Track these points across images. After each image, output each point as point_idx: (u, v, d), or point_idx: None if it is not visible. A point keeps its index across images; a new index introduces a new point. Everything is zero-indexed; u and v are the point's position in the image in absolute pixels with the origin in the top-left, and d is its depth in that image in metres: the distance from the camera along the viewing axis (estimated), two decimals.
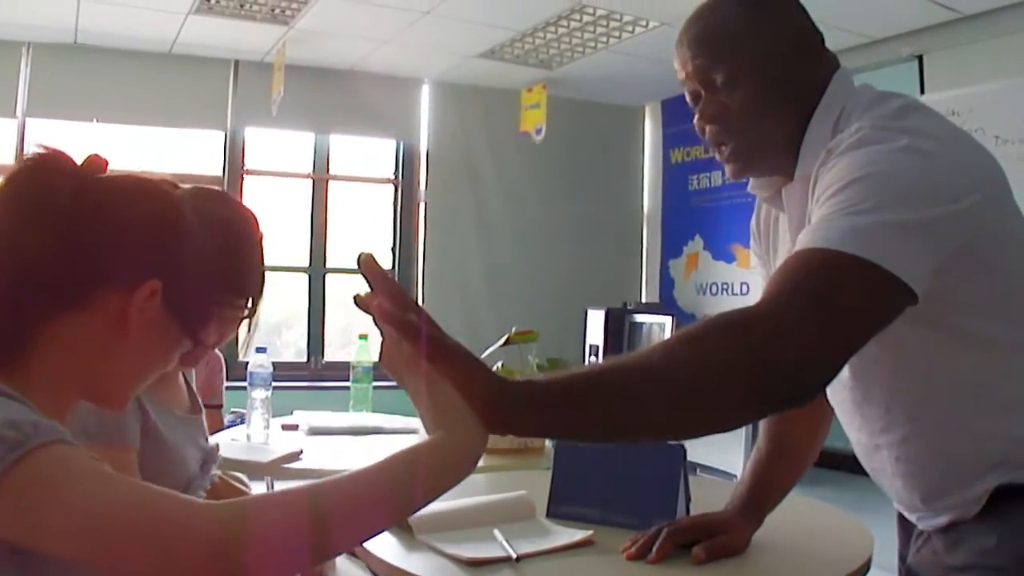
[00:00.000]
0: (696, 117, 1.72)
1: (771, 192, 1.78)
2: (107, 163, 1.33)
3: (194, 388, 2.35)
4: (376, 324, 1.21)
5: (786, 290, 1.32)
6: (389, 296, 1.20)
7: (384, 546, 1.84)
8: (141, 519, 1.03)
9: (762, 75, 1.63)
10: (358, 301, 1.21)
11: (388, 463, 1.15)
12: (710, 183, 8.43)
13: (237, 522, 1.05)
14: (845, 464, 2.20)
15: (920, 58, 6.55)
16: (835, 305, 1.30)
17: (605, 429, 1.27)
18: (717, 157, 1.73)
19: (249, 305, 2.06)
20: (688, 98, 1.74)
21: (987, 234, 1.46)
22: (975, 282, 1.48)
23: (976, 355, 1.53)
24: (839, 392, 1.75)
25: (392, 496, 1.13)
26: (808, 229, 1.42)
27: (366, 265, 1.21)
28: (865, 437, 1.73)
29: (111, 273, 1.26)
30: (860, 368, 1.64)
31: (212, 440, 2.41)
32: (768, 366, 1.24)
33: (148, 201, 1.33)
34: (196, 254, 1.35)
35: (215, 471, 2.39)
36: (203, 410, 2.40)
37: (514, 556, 1.76)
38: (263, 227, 2.12)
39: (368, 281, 1.22)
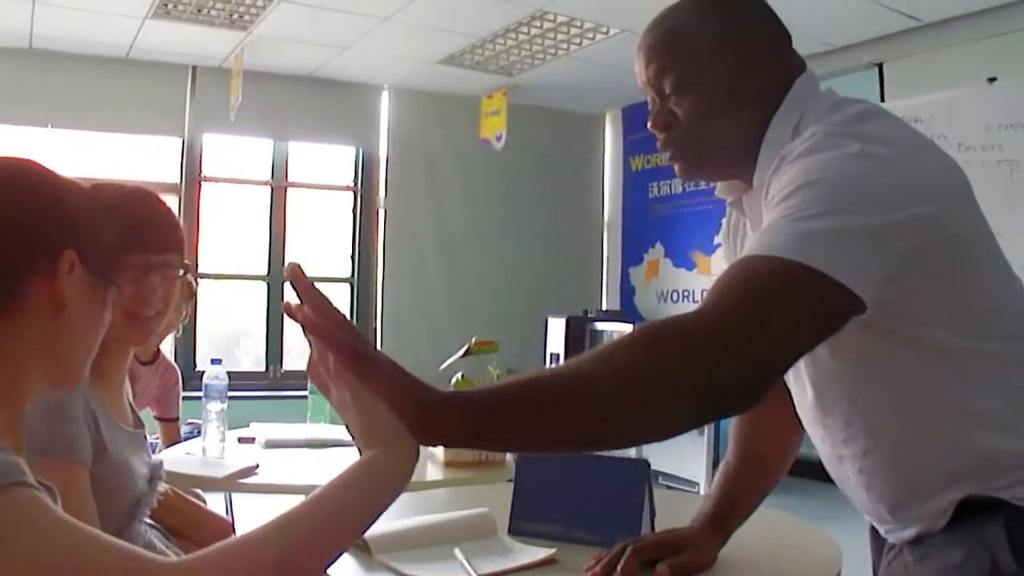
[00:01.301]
0: (649, 123, 1.71)
1: (735, 196, 1.76)
2: None
3: (134, 402, 2.31)
4: (305, 335, 1.20)
5: (724, 298, 1.29)
6: (316, 307, 1.19)
7: (340, 567, 1.79)
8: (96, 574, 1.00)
9: (709, 82, 1.62)
10: (287, 310, 1.20)
11: (331, 492, 1.14)
12: (671, 190, 8.44)
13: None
14: (814, 472, 2.17)
15: (880, 66, 6.60)
16: (775, 314, 1.28)
17: (530, 440, 1.27)
18: (665, 158, 1.73)
19: (171, 261, 2.02)
20: (649, 104, 1.73)
21: (943, 242, 1.43)
22: (931, 291, 1.45)
23: (934, 366, 1.50)
24: (802, 403, 1.73)
25: (342, 525, 1.13)
26: (754, 235, 1.42)
27: (293, 274, 1.20)
28: (828, 448, 1.70)
29: (26, 267, 1.24)
30: (818, 380, 1.62)
31: (164, 454, 2.37)
32: (708, 371, 1.22)
33: (28, 184, 1.30)
34: (96, 214, 1.34)
35: (161, 487, 2.35)
36: (145, 426, 2.36)
37: None
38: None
39: (296, 291, 1.21)
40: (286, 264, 1.20)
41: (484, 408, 1.19)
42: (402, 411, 1.16)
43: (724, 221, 1.95)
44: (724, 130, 1.64)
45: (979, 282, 1.50)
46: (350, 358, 1.16)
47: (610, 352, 1.24)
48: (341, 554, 1.15)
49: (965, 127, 5.46)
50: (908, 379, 1.52)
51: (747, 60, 1.62)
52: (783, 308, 1.28)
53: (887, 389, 1.54)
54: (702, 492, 6.21)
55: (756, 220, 1.67)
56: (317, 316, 1.18)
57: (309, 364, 1.24)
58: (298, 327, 1.17)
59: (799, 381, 1.68)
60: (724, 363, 1.23)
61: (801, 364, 1.42)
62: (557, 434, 1.23)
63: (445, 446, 1.26)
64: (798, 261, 1.28)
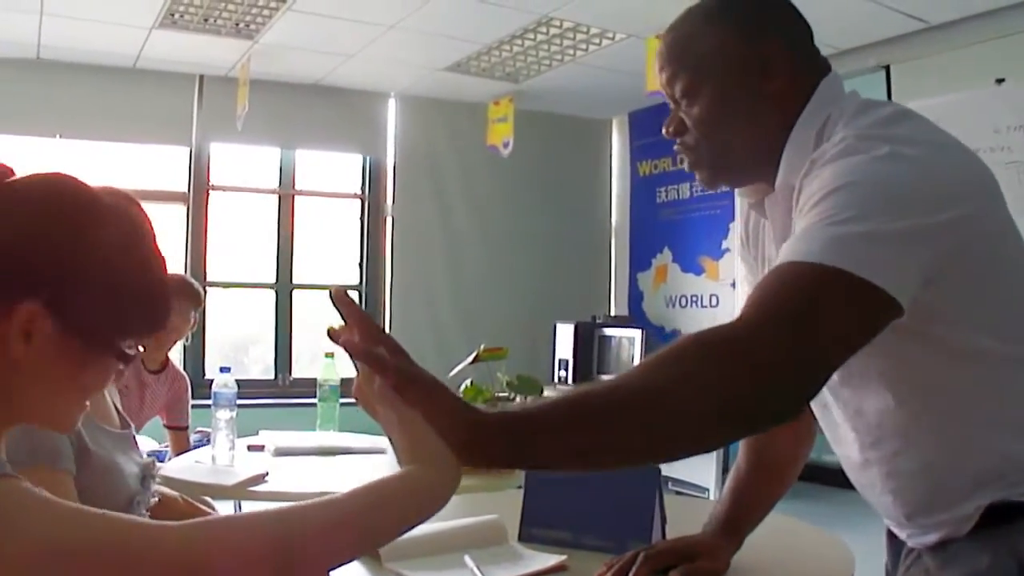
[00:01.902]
0: (664, 130, 1.71)
1: (757, 199, 1.75)
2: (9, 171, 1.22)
3: (144, 411, 2.33)
4: (350, 358, 1.21)
5: (765, 306, 1.29)
6: (360, 329, 1.20)
7: (350, 575, 1.79)
8: (101, 544, 1.00)
9: (715, 88, 1.62)
10: (331, 334, 1.22)
11: (360, 492, 1.14)
12: (678, 195, 8.41)
13: (199, 543, 1.03)
14: (825, 477, 2.16)
15: (887, 68, 6.57)
16: (815, 320, 1.27)
17: (581, 458, 1.25)
18: (686, 167, 1.72)
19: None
20: (669, 103, 1.73)
21: (977, 244, 1.42)
22: (966, 294, 1.44)
23: (968, 369, 1.49)
24: (829, 406, 1.72)
25: (362, 526, 1.12)
26: (788, 242, 1.39)
27: (338, 298, 1.22)
28: (855, 452, 1.69)
29: None
30: (848, 383, 1.61)
31: (173, 463, 2.37)
32: (748, 387, 1.22)
33: (28, 205, 1.20)
34: (91, 259, 1.21)
35: (156, 486, 2.36)
36: (131, 426, 2.37)
37: None
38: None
39: (341, 314, 1.22)
40: (330, 289, 1.22)
41: (532, 427, 1.20)
42: (448, 432, 1.17)
43: (741, 223, 1.93)
44: (734, 136, 1.63)
45: (1013, 283, 1.49)
46: (397, 380, 1.17)
47: (658, 365, 1.24)
48: (353, 557, 1.15)
49: (973, 129, 5.42)
50: (940, 382, 1.51)
51: (756, 66, 1.61)
52: (823, 315, 1.27)
53: (918, 392, 1.53)
54: (712, 498, 6.19)
55: (779, 223, 1.66)
56: (363, 338, 1.19)
57: (355, 387, 1.25)
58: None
59: (832, 380, 1.66)
60: (765, 374, 1.23)
61: None
62: (608, 450, 1.23)
63: (490, 467, 1.25)
64: (835, 266, 1.28)
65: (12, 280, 1.15)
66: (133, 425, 2.41)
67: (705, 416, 1.22)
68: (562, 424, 1.20)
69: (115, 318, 1.24)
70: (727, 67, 1.61)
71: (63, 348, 1.19)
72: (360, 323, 1.21)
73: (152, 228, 1.33)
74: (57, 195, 1.22)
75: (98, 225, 1.22)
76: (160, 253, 1.31)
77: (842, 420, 1.69)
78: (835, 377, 1.60)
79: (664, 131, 1.71)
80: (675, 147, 1.71)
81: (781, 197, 1.62)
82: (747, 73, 1.61)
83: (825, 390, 1.67)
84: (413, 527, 1.16)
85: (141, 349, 1.34)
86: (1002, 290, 1.48)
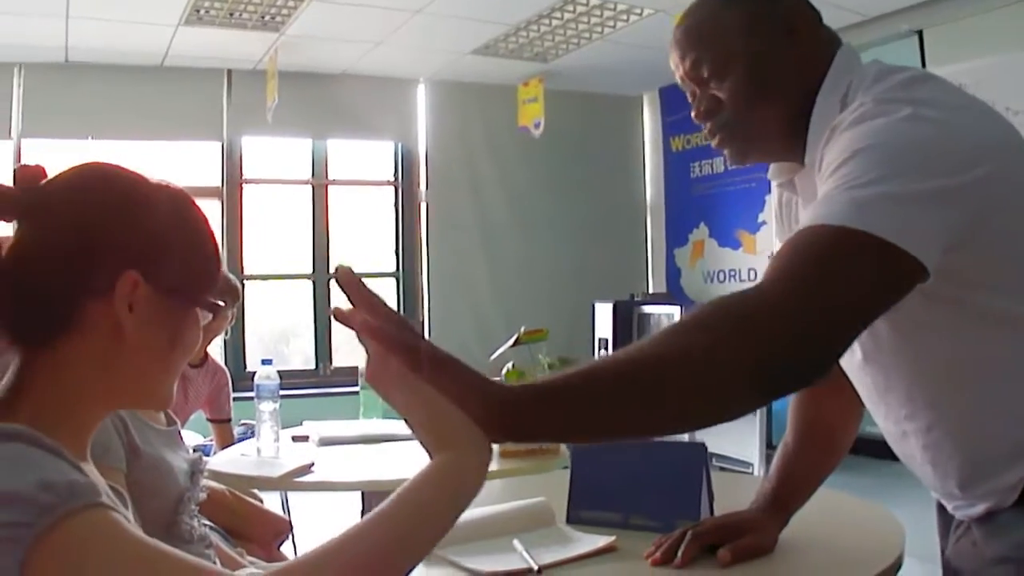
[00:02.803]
0: (693, 113, 1.70)
1: (786, 177, 1.74)
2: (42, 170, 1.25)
3: (186, 405, 2.36)
4: (359, 339, 1.17)
5: (786, 269, 1.27)
6: (372, 310, 1.17)
7: None
8: None
9: (747, 62, 1.60)
10: (338, 315, 1.17)
11: (392, 509, 1.11)
12: (712, 170, 8.39)
13: None
14: (874, 449, 2.14)
15: (920, 33, 6.50)
16: (835, 282, 1.25)
17: (609, 425, 1.23)
18: (713, 144, 1.71)
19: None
20: (689, 98, 1.72)
21: (1004, 205, 1.40)
22: (994, 257, 1.42)
23: (999, 336, 1.47)
24: (862, 379, 1.71)
25: (401, 547, 1.09)
26: (811, 207, 1.39)
27: (344, 278, 1.18)
28: (891, 424, 1.68)
29: (81, 288, 1.19)
30: (879, 354, 1.60)
31: (219, 456, 2.39)
32: (770, 349, 1.20)
33: (89, 194, 1.25)
34: (161, 222, 1.26)
35: (204, 481, 2.37)
36: (177, 422, 2.39)
37: (536, 567, 1.72)
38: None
39: (347, 295, 1.18)
40: (334, 265, 1.19)
41: (558, 401, 1.17)
42: (471, 409, 1.14)
43: (774, 201, 1.92)
44: (770, 106, 1.62)
45: None
46: (413, 359, 1.14)
47: (670, 334, 1.23)
48: (416, 563, 1.12)
49: (1010, 92, 5.36)
50: (971, 351, 1.49)
51: (780, 31, 1.60)
52: (844, 277, 1.25)
53: (949, 361, 1.51)
54: (756, 473, 6.18)
55: (810, 197, 1.64)
56: (371, 318, 1.16)
57: (367, 369, 1.20)
58: (348, 328, 1.15)
59: (857, 357, 1.65)
60: (787, 337, 1.21)
61: (860, 339, 1.39)
62: (633, 421, 1.21)
63: (515, 441, 1.23)
64: (856, 228, 1.26)
65: (107, 258, 1.20)
66: (179, 421, 2.43)
67: (730, 380, 1.20)
68: (576, 397, 1.18)
69: (195, 271, 1.29)
70: (754, 36, 1.60)
71: (161, 310, 1.23)
72: (369, 304, 1.17)
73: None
74: (104, 176, 1.27)
75: (153, 193, 1.28)
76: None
77: (876, 394, 1.68)
78: (865, 350, 1.59)
79: (695, 114, 1.69)
80: (706, 128, 1.69)
81: (810, 171, 1.61)
82: (773, 38, 1.60)
83: (857, 364, 1.67)
84: (460, 515, 1.13)
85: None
86: None
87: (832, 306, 1.24)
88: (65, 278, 1.19)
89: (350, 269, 1.17)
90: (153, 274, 1.21)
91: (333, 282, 6.46)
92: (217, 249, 1.35)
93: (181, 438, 2.35)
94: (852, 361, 1.69)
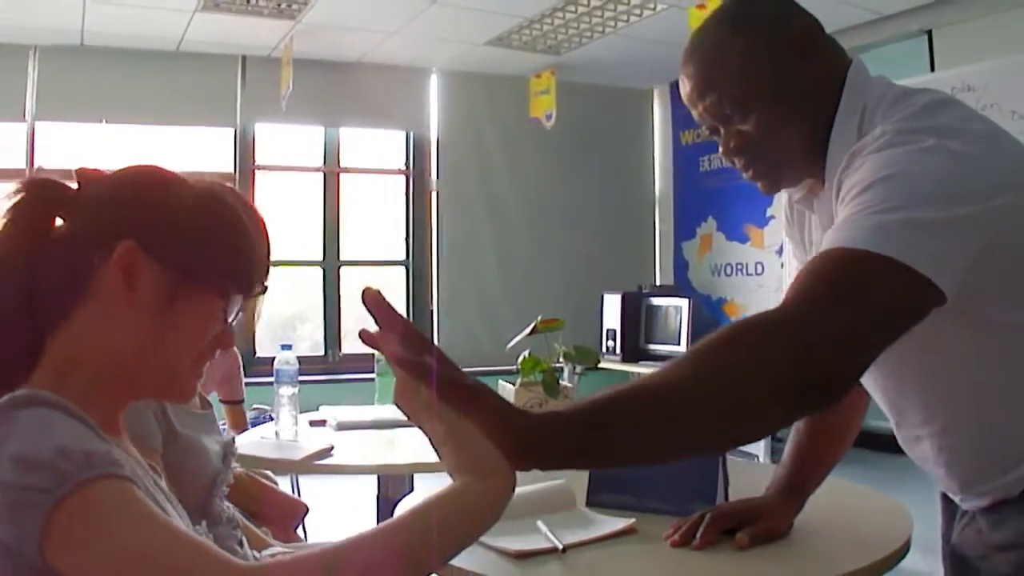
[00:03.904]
0: (721, 150, 1.69)
1: (803, 193, 1.76)
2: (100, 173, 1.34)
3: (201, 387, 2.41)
4: (389, 364, 1.18)
5: (810, 291, 1.29)
6: (400, 336, 1.17)
7: None
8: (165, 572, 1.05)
9: (768, 92, 1.60)
10: (365, 338, 1.19)
11: (409, 519, 1.14)
12: (721, 164, 8.29)
13: None
14: (879, 443, 2.19)
15: (929, 33, 6.50)
16: (860, 304, 1.27)
17: (635, 453, 1.25)
18: (746, 177, 1.71)
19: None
20: (708, 132, 1.72)
21: (1019, 231, 1.42)
22: (1009, 276, 1.45)
23: (1011, 344, 1.51)
24: (876, 387, 1.74)
25: (413, 557, 1.11)
26: (833, 229, 1.40)
27: (372, 302, 1.18)
28: (906, 429, 1.72)
29: (98, 249, 1.26)
30: (894, 363, 1.60)
31: (238, 439, 2.44)
32: (796, 369, 1.22)
33: (123, 182, 1.34)
34: (177, 206, 1.32)
35: (234, 464, 2.42)
36: (212, 406, 2.43)
37: (560, 547, 1.77)
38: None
39: (375, 317, 1.19)
40: (363, 290, 1.17)
41: (585, 428, 1.17)
42: (496, 437, 1.15)
43: (786, 202, 1.92)
44: (795, 132, 1.62)
45: None
46: (440, 387, 1.15)
47: (703, 354, 1.24)
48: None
49: (1019, 95, 5.36)
50: (985, 358, 1.52)
51: (792, 54, 1.60)
52: (865, 299, 1.28)
53: (964, 368, 1.55)
54: (761, 461, 6.23)
55: (825, 220, 1.66)
56: (402, 343, 1.16)
57: (397, 393, 1.20)
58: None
59: (876, 363, 1.67)
60: (812, 356, 1.22)
61: None
62: (662, 444, 1.22)
63: (540, 468, 1.24)
64: (878, 252, 1.28)
65: (119, 230, 1.26)
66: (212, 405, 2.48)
67: (761, 399, 1.22)
68: (613, 424, 1.18)
69: (208, 255, 1.32)
70: (770, 62, 1.60)
71: (161, 284, 1.28)
72: (397, 327, 1.18)
73: (248, 202, 1.42)
74: (140, 169, 1.36)
75: (181, 184, 1.34)
76: (258, 217, 1.42)
77: (890, 400, 1.72)
78: (883, 357, 1.63)
79: (723, 151, 1.69)
80: (738, 165, 1.70)
81: (828, 194, 1.62)
82: (788, 63, 1.60)
83: (871, 374, 1.67)
84: (475, 540, 1.16)
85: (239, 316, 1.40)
86: None
87: (853, 326, 1.26)
88: (88, 252, 1.27)
89: (378, 292, 1.18)
90: (157, 248, 1.27)
91: (343, 269, 6.49)
92: (248, 243, 1.38)
93: (215, 422, 2.40)
94: (870, 370, 1.72)
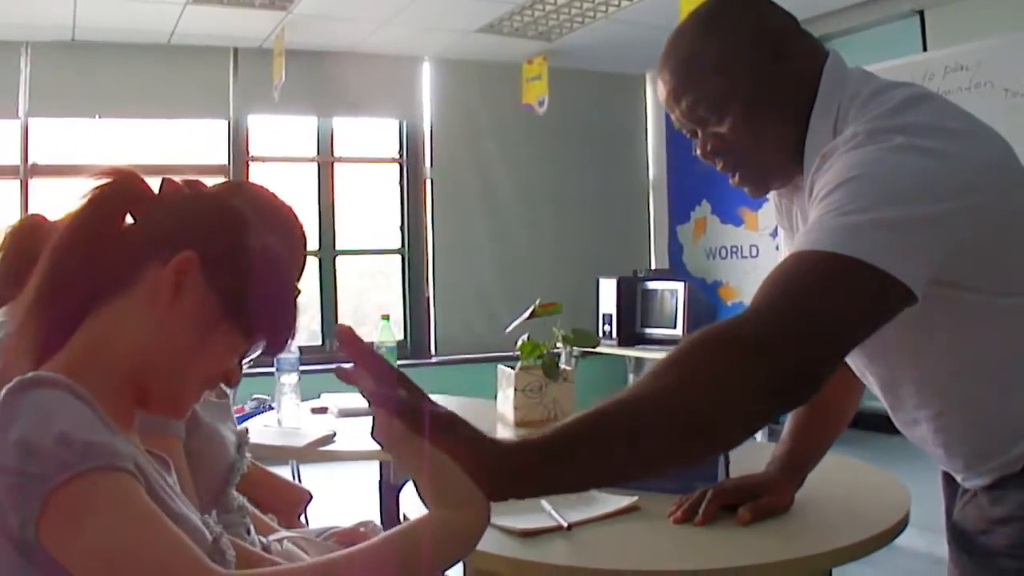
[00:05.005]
0: (699, 153, 1.70)
1: (786, 187, 1.77)
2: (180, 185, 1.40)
3: None
4: (365, 398, 1.20)
5: (774, 296, 1.30)
6: (374, 373, 1.19)
7: None
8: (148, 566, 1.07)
9: (743, 93, 1.61)
10: (340, 376, 1.21)
11: (394, 538, 1.17)
12: None
13: None
14: (877, 424, 2.21)
15: (921, 13, 6.47)
16: (820, 306, 1.28)
17: (613, 473, 1.26)
18: (732, 183, 1.72)
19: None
20: (687, 134, 1.73)
21: (998, 223, 1.43)
22: (991, 265, 1.46)
23: (1001, 326, 1.52)
24: (869, 375, 1.75)
25: (400, 572, 1.14)
26: (802, 232, 1.41)
27: (345, 339, 1.19)
28: (902, 413, 1.74)
29: (153, 251, 1.31)
30: (885, 352, 1.64)
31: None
32: (760, 377, 1.22)
33: (190, 192, 1.40)
34: (243, 233, 1.36)
35: (248, 455, 2.45)
36: (228, 396, 2.46)
37: (565, 525, 1.80)
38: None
39: (349, 354, 1.20)
40: (336, 328, 1.19)
41: (559, 455, 1.18)
42: (469, 468, 1.16)
43: (774, 204, 1.94)
44: (772, 133, 1.63)
45: None
46: (414, 421, 1.17)
47: (669, 367, 1.24)
48: None
49: (1012, 73, 5.34)
50: (976, 341, 1.53)
51: (767, 55, 1.61)
52: (831, 299, 1.28)
53: (955, 352, 1.55)
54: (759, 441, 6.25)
55: (806, 215, 1.66)
56: (375, 378, 1.19)
57: (373, 428, 1.22)
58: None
59: (865, 353, 1.69)
60: (780, 358, 1.23)
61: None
62: (640, 461, 1.23)
63: (522, 497, 1.23)
64: (843, 253, 1.29)
65: (182, 239, 1.31)
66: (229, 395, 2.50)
67: (722, 411, 1.22)
68: (587, 447, 1.18)
69: (256, 302, 1.35)
70: (745, 64, 1.60)
71: (201, 305, 1.31)
72: (370, 362, 1.20)
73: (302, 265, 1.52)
74: (233, 196, 1.43)
75: (263, 225, 1.39)
76: (297, 289, 1.46)
77: (884, 387, 1.73)
78: (870, 349, 1.62)
79: (700, 153, 1.70)
80: (719, 168, 1.70)
81: (804, 193, 1.63)
82: (763, 62, 1.60)
83: (863, 363, 1.71)
84: (447, 569, 1.18)
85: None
86: None
87: (820, 326, 1.26)
88: (148, 248, 1.31)
89: (350, 329, 1.18)
90: (213, 270, 1.31)
91: (339, 258, 6.44)
92: (293, 312, 1.42)
93: (231, 411, 2.43)
94: (858, 360, 1.73)
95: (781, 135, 1.63)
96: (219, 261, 1.32)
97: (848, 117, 1.54)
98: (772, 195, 1.89)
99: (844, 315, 1.29)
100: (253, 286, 1.34)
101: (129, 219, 1.35)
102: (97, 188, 1.32)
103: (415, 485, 1.21)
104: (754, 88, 1.60)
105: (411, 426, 1.17)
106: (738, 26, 1.62)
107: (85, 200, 1.32)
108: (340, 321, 8.28)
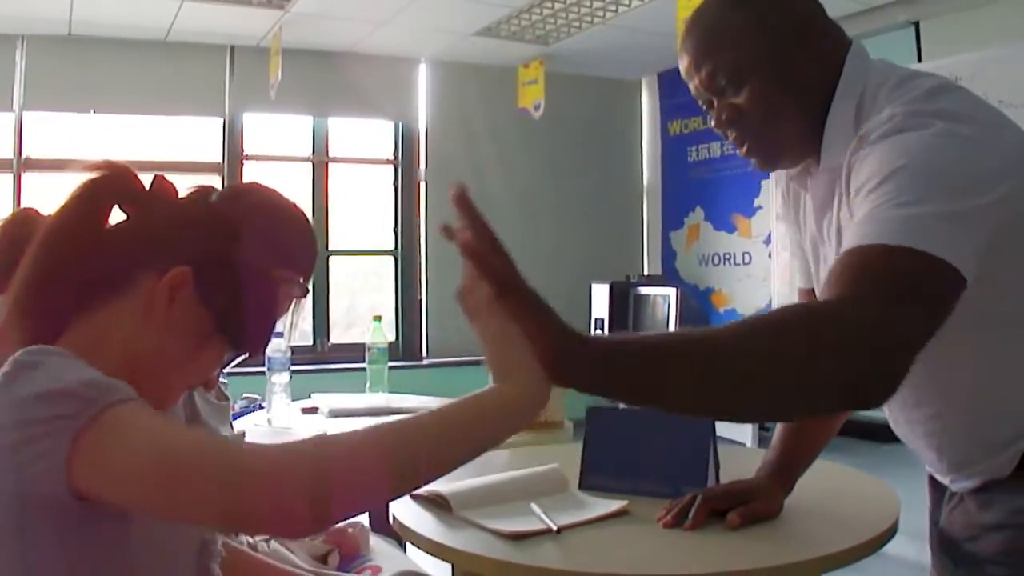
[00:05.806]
0: (713, 124, 1.70)
1: (798, 171, 1.76)
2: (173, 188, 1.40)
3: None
4: (461, 255, 1.21)
5: (857, 288, 1.28)
6: (476, 231, 1.20)
7: (425, 523, 1.87)
8: (208, 457, 1.08)
9: (764, 66, 1.60)
10: (445, 232, 1.22)
11: (462, 406, 1.17)
12: (709, 154, 8.44)
13: (325, 462, 1.12)
14: (869, 432, 2.22)
15: (916, 24, 6.50)
16: (914, 304, 1.27)
17: (669, 399, 1.26)
18: (740, 153, 1.71)
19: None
20: (703, 106, 1.72)
21: (1017, 220, 1.43)
22: (1008, 264, 1.46)
23: (1005, 331, 1.53)
24: None
25: (468, 436, 1.16)
26: (860, 222, 1.38)
27: (458, 199, 1.21)
28: (898, 413, 1.73)
29: (148, 259, 1.31)
30: None
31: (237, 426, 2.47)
32: (851, 363, 1.22)
33: (189, 200, 1.42)
34: (239, 251, 1.37)
35: None
36: (228, 399, 2.45)
37: (555, 528, 1.79)
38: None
39: (459, 211, 1.22)
40: (451, 185, 1.21)
41: (627, 357, 1.21)
42: (539, 348, 1.18)
43: (780, 193, 1.93)
44: (790, 109, 1.62)
45: None
46: (499, 287, 1.19)
47: (761, 330, 1.25)
48: (457, 466, 1.16)
49: (1006, 85, 5.33)
50: (979, 344, 1.53)
51: (791, 34, 1.60)
52: (917, 298, 1.28)
53: (958, 354, 1.54)
54: (748, 447, 6.26)
55: (818, 199, 1.68)
56: (477, 241, 1.20)
57: (460, 289, 1.25)
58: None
59: None
60: (875, 356, 1.23)
61: None
62: (700, 399, 1.24)
63: (577, 390, 1.23)
64: (913, 247, 1.28)
65: (179, 250, 1.32)
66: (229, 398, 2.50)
67: (800, 388, 1.23)
68: (659, 364, 1.20)
69: (250, 324, 1.38)
70: (768, 39, 1.60)
71: (197, 319, 1.33)
72: (477, 227, 1.20)
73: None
74: (237, 193, 1.42)
75: (264, 240, 1.40)
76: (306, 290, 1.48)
77: None
78: None
79: (715, 124, 1.69)
80: (730, 138, 1.70)
81: (824, 175, 1.64)
82: (786, 39, 1.60)
83: None
84: (503, 441, 1.19)
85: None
86: None
87: (911, 329, 1.26)
88: (144, 258, 1.32)
89: (463, 189, 1.21)
90: (207, 288, 1.33)
91: (332, 258, 6.41)
92: (272, 332, 1.45)
93: (229, 414, 2.43)
94: None
95: (798, 114, 1.63)
96: (214, 278, 1.33)
97: (877, 101, 1.54)
98: (781, 181, 1.89)
99: (926, 308, 1.29)
100: (247, 303, 1.36)
101: (121, 215, 1.36)
102: (89, 181, 1.33)
103: (482, 351, 1.23)
104: (775, 64, 1.60)
105: (494, 291, 1.19)
106: (766, 4, 1.62)
107: (76, 192, 1.32)
108: (331, 323, 8.27)
